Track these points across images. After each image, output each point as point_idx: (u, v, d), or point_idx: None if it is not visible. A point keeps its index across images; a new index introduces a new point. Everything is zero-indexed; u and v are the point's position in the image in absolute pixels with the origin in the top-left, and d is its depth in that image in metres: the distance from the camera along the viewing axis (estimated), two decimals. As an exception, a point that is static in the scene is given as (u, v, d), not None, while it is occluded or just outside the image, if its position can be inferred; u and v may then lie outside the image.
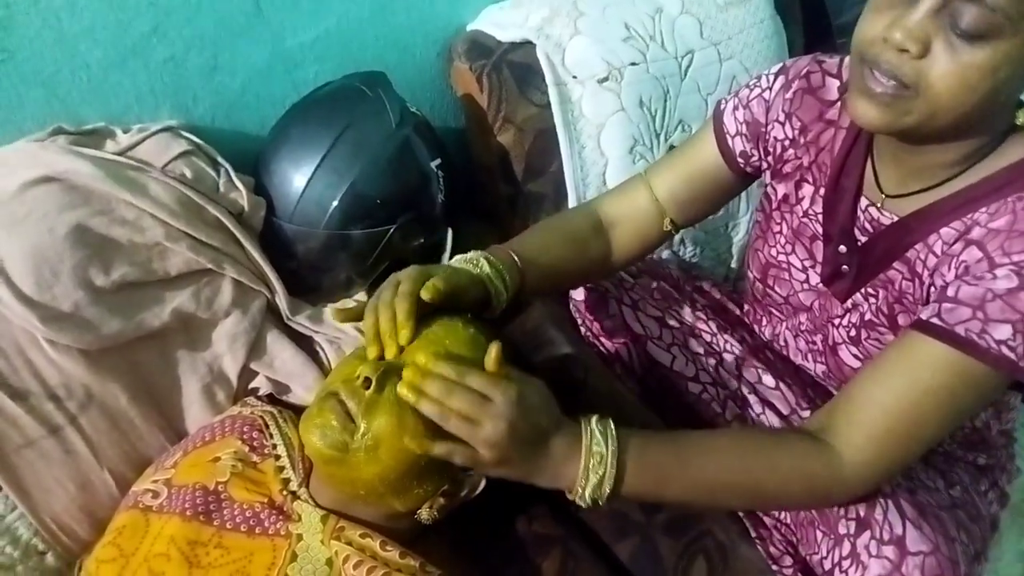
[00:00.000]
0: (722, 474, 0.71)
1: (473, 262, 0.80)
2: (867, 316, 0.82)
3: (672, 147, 1.22)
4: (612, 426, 0.69)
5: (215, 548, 0.75)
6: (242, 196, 1.00)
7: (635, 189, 0.95)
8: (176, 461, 0.85)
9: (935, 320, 0.68)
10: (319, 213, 1.03)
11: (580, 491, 0.67)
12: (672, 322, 1.04)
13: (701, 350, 1.01)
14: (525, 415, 0.65)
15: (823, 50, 0.90)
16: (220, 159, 1.03)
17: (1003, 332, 0.65)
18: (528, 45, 1.19)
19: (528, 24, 1.21)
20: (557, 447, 0.67)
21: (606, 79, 1.17)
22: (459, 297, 0.75)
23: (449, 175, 1.13)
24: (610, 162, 1.20)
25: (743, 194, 1.30)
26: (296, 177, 1.04)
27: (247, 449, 0.84)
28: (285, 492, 0.79)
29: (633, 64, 1.18)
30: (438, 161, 1.11)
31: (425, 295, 0.70)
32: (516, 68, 1.20)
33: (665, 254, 1.27)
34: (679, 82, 1.22)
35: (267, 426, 0.88)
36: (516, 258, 0.83)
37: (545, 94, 1.18)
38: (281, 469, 0.82)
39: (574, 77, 1.18)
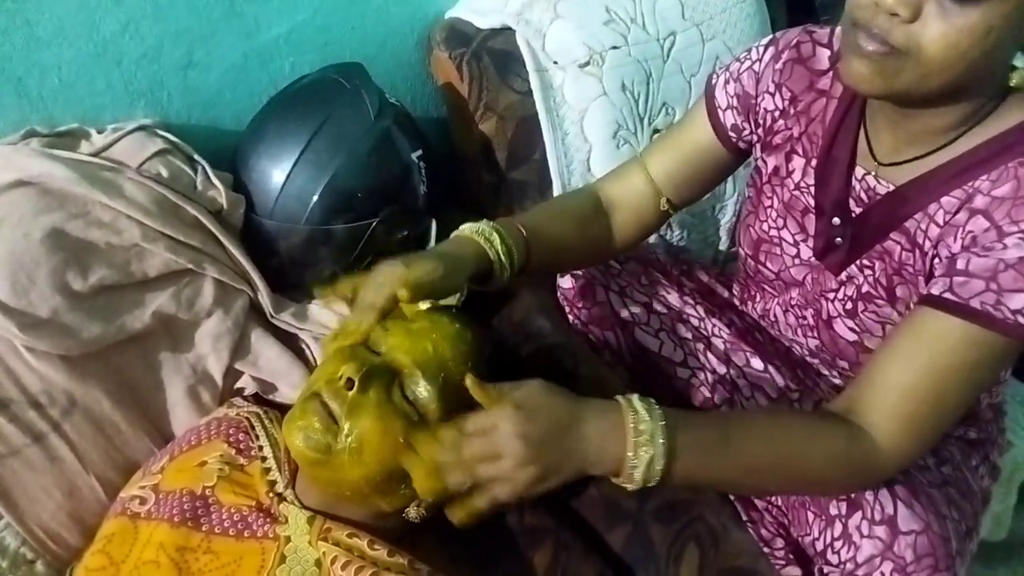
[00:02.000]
0: (768, 458, 0.70)
1: (484, 234, 0.79)
2: (864, 288, 0.81)
3: (656, 131, 1.21)
4: (654, 403, 0.67)
5: (204, 553, 0.74)
6: (220, 194, 0.99)
7: (631, 172, 0.95)
8: (163, 466, 0.84)
9: (948, 295, 0.68)
10: (300, 208, 1.02)
11: (630, 471, 0.65)
12: (659, 307, 1.04)
13: (689, 335, 1.01)
14: (533, 418, 0.64)
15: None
16: (197, 157, 1.01)
17: (1018, 301, 0.65)
18: (508, 31, 1.18)
19: (507, 10, 1.19)
20: (593, 428, 0.65)
21: (587, 64, 1.16)
22: (451, 279, 0.74)
23: (431, 166, 1.11)
24: (594, 148, 1.19)
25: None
26: (275, 173, 1.02)
27: (233, 452, 0.83)
28: (272, 494, 0.79)
29: (615, 48, 1.17)
30: (419, 152, 1.10)
31: (402, 294, 0.69)
32: (496, 55, 1.18)
33: (652, 238, 1.26)
34: (662, 64, 1.20)
35: (253, 427, 0.87)
36: (524, 232, 0.82)
37: (526, 81, 1.16)
38: (268, 471, 0.82)
39: (555, 63, 1.17)
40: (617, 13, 1.18)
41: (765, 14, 1.32)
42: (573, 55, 1.16)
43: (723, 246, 1.34)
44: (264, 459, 0.83)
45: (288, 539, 0.75)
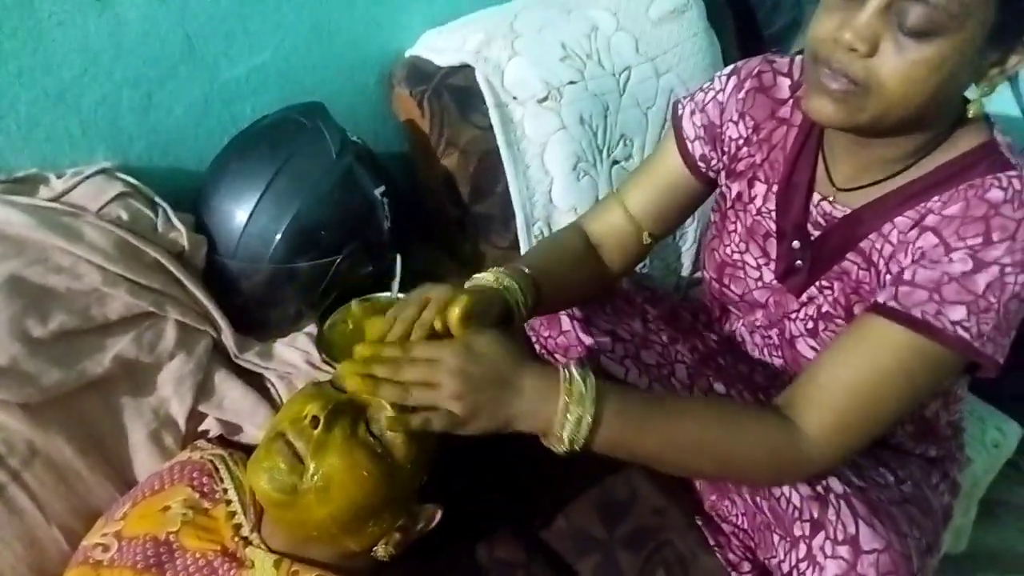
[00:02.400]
0: (695, 435, 0.71)
1: (496, 279, 0.80)
2: (824, 308, 0.84)
3: (615, 162, 1.24)
4: (591, 371, 0.68)
5: (168, 600, 0.73)
6: (182, 235, 0.99)
7: (610, 209, 0.97)
8: (125, 512, 0.83)
9: (892, 303, 0.70)
10: (263, 247, 1.02)
11: (558, 432, 0.66)
12: (624, 335, 1.05)
13: (653, 361, 1.02)
14: (478, 361, 0.65)
15: (754, 61, 0.92)
16: (157, 199, 1.01)
17: (958, 313, 0.67)
18: (467, 68, 1.20)
19: (466, 48, 1.21)
20: (530, 387, 0.67)
21: (546, 99, 1.18)
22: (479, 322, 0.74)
23: (395, 201, 1.12)
24: (555, 180, 1.21)
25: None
26: (237, 212, 1.02)
27: (198, 496, 0.82)
28: (237, 538, 0.78)
29: (572, 83, 1.20)
30: (382, 188, 1.11)
31: (453, 314, 0.69)
32: (456, 92, 1.20)
33: (615, 267, 1.28)
34: (618, 98, 1.23)
35: (217, 470, 0.86)
36: (531, 276, 0.83)
37: (487, 116, 1.18)
38: (233, 514, 0.81)
39: (514, 98, 1.19)
40: (573, 49, 1.21)
41: (717, 47, 1.36)
42: (532, 90, 1.18)
43: (685, 272, 1.36)
44: (229, 502, 0.82)
45: (254, 583, 0.74)
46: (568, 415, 0.66)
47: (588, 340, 1.05)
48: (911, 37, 0.63)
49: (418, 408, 0.66)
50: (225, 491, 0.83)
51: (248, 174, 1.04)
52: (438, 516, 0.77)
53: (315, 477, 0.69)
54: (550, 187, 1.21)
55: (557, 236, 1.04)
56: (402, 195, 1.15)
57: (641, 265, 1.31)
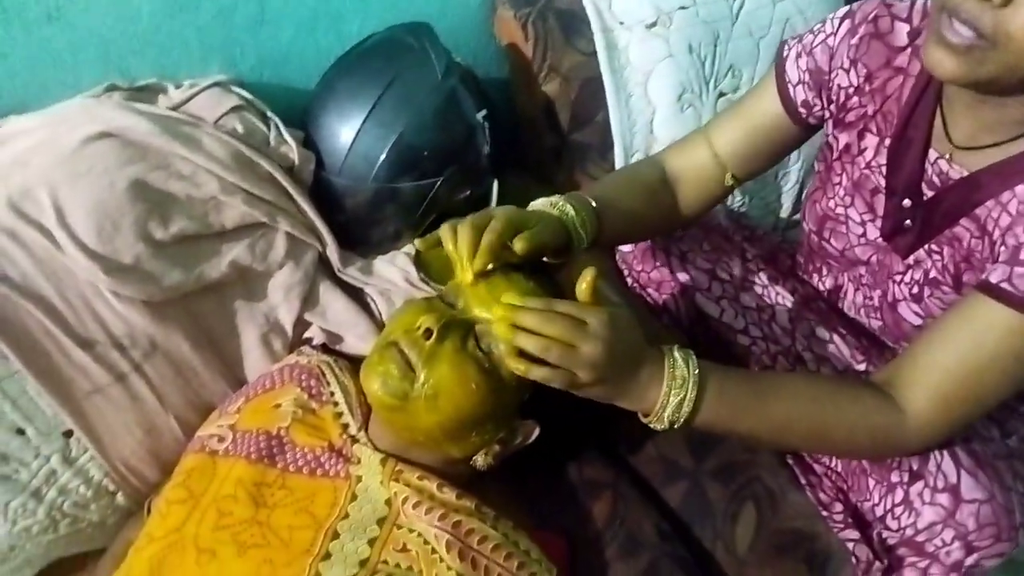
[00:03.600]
0: (793, 415, 0.72)
1: (557, 206, 0.80)
2: (931, 274, 0.80)
3: (722, 94, 1.20)
4: (693, 354, 0.70)
5: (280, 489, 0.78)
6: (292, 150, 1.01)
7: (696, 145, 0.94)
8: (239, 407, 0.88)
9: (1005, 284, 0.67)
10: (367, 167, 1.04)
11: (660, 412, 0.68)
12: (722, 274, 1.04)
13: (752, 303, 1.01)
14: (619, 336, 0.67)
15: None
16: (270, 113, 1.03)
17: None
18: (573, -9, 1.17)
19: (574, -31, 1.18)
20: (644, 370, 0.69)
21: (654, 24, 1.15)
22: (540, 250, 0.75)
23: (494, 126, 1.12)
24: (658, 110, 1.18)
25: (794, 142, 1.28)
26: (344, 131, 1.04)
27: (306, 396, 0.87)
28: (344, 436, 0.82)
29: (682, 8, 1.15)
30: (483, 112, 1.11)
31: (518, 246, 0.70)
32: (561, 15, 1.18)
33: (713, 204, 1.26)
34: (730, 26, 1.18)
35: (324, 374, 0.90)
36: (594, 204, 0.83)
37: (591, 41, 1.16)
38: (339, 415, 0.85)
39: (621, 23, 1.16)
40: (686, -27, 1.17)
41: (839, -25, 1.29)
42: (640, 15, 1.15)
43: (784, 213, 1.32)
44: (336, 404, 0.86)
45: (360, 479, 0.78)
46: (671, 398, 0.68)
47: (683, 277, 1.04)
48: None
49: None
50: (332, 394, 0.87)
51: (355, 93, 1.05)
52: (536, 432, 0.79)
53: (425, 385, 0.71)
54: (652, 117, 1.19)
55: (633, 167, 1.01)
56: (500, 121, 1.15)
57: (740, 203, 1.29)
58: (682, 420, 0.69)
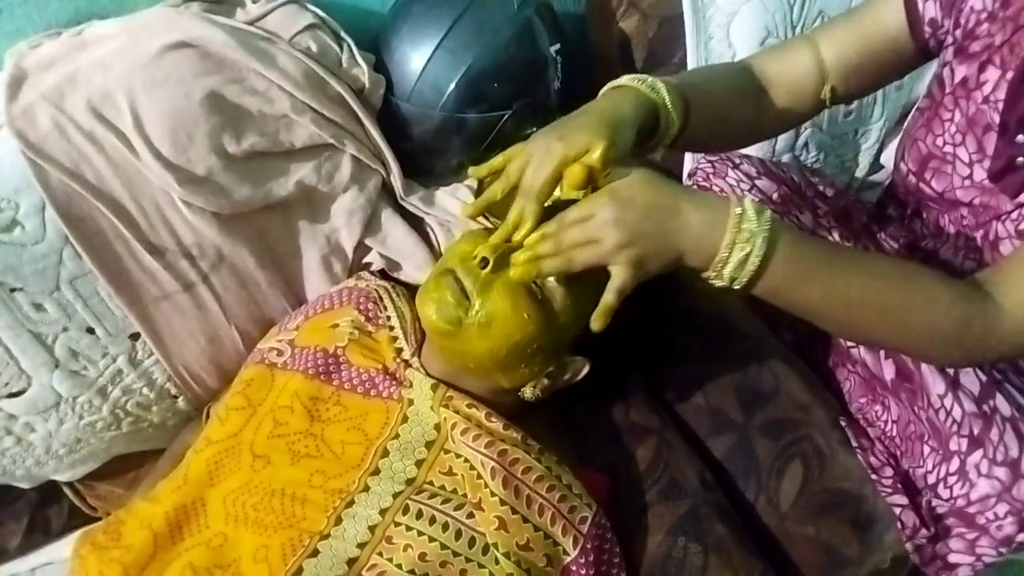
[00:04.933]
0: (870, 290, 0.66)
1: (651, 86, 0.75)
2: None
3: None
4: (768, 210, 0.65)
5: (334, 405, 0.80)
6: (363, 73, 1.01)
7: (798, 49, 0.88)
8: (298, 324, 0.90)
9: None
10: (436, 95, 1.03)
11: (720, 265, 0.64)
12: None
13: (819, 259, 0.97)
14: (630, 205, 0.64)
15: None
16: (343, 34, 1.03)
17: None
18: (660, -77, 1.12)
19: (662, -100, 1.13)
20: (694, 217, 0.64)
21: (743, -38, 1.09)
22: (618, 147, 0.68)
23: (567, 62, 1.10)
24: (737, 55, 1.13)
25: (879, 97, 1.22)
26: (415, 57, 1.03)
27: (363, 319, 0.88)
28: (398, 360, 0.83)
29: (775, -53, 1.10)
30: (557, 46, 1.08)
31: (595, 155, 0.66)
32: (646, -52, 1.13)
33: (785, 157, 1.21)
34: (824, -31, 1.12)
35: (381, 299, 0.92)
36: (685, 95, 0.78)
37: (675, -24, 1.11)
38: (395, 339, 0.86)
39: (708, -41, 1.11)
40: (781, -92, 1.10)
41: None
42: (729, -48, 1.10)
43: (860, 172, 1.27)
44: (391, 328, 0.88)
45: (411, 402, 0.80)
46: (733, 252, 0.63)
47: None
48: None
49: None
50: (388, 318, 0.89)
51: (428, 19, 1.03)
52: (586, 369, 0.79)
53: (479, 313, 0.72)
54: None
55: (724, 66, 0.94)
56: (574, 56, 1.12)
57: (813, 158, 1.24)
58: (745, 280, 0.64)
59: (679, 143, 0.81)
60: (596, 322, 0.67)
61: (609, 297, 0.66)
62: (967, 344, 0.68)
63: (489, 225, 0.85)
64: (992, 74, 0.78)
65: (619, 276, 0.65)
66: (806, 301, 0.67)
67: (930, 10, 0.81)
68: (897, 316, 0.67)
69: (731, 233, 0.63)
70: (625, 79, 0.77)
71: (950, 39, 0.81)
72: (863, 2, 0.88)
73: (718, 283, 0.66)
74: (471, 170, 0.76)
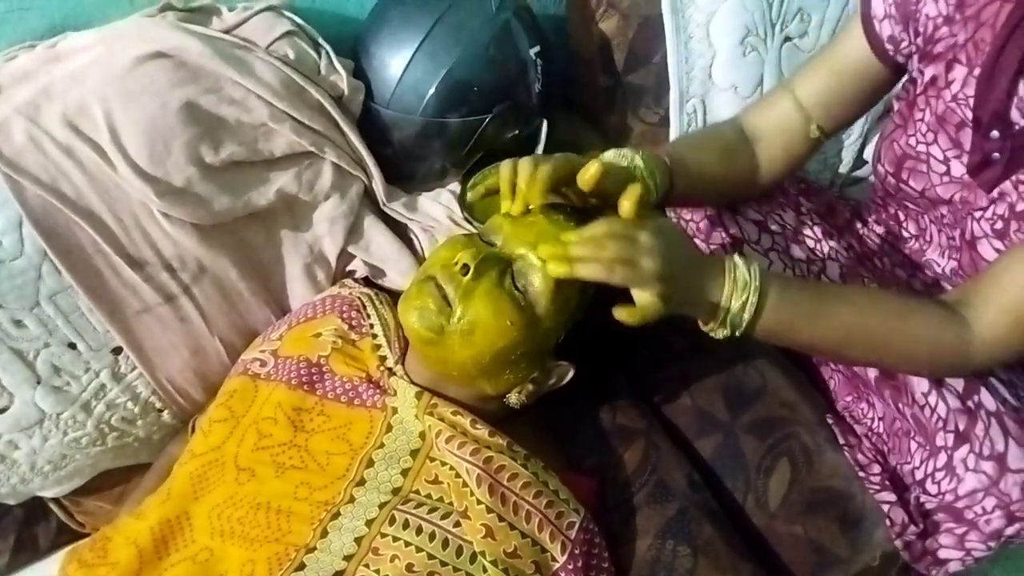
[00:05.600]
0: (855, 324, 0.72)
1: (626, 156, 0.78)
2: (1019, 207, 0.77)
3: (788, 39, 1.14)
4: (755, 261, 0.70)
5: (318, 415, 0.80)
6: (342, 79, 1.00)
7: (777, 98, 0.91)
8: (281, 334, 0.90)
9: None
10: (416, 100, 1.03)
11: (721, 316, 0.69)
12: (774, 227, 1.00)
13: (803, 256, 0.98)
14: (671, 245, 0.67)
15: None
16: (321, 40, 1.02)
17: None
18: (638, -78, 1.12)
19: (639, -100, 1.13)
20: (704, 274, 0.69)
21: (721, -38, 1.09)
22: (602, 194, 0.72)
23: (547, 64, 1.09)
24: (718, 53, 1.13)
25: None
26: (394, 62, 1.02)
27: (346, 327, 0.88)
28: (382, 368, 0.83)
29: (752, -55, 1.09)
30: (537, 49, 1.08)
31: (586, 175, 0.68)
32: (624, -52, 1.13)
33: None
34: (802, -35, 1.12)
35: (364, 307, 0.91)
36: (667, 160, 0.81)
37: (653, -23, 1.11)
38: (378, 347, 0.86)
39: (686, -41, 1.10)
40: (758, -93, 1.10)
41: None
42: (706, -49, 1.09)
43: (843, 169, 1.27)
44: (375, 336, 0.87)
45: (395, 410, 0.79)
46: (732, 302, 0.68)
47: (732, 228, 1.01)
48: None
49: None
50: (371, 326, 0.88)
51: (406, 24, 1.03)
52: (570, 374, 0.79)
53: (461, 320, 0.72)
54: (712, 61, 1.14)
55: (711, 127, 0.98)
56: (554, 58, 1.12)
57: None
58: (743, 325, 0.69)
59: (669, 203, 0.85)
60: (621, 315, 0.66)
61: (632, 320, 0.66)
62: (941, 364, 0.75)
63: (473, 231, 0.85)
64: (959, 72, 0.78)
65: (650, 306, 0.66)
66: (801, 337, 0.73)
67: (886, 28, 0.82)
68: (879, 344, 0.73)
69: (728, 285, 0.69)
70: (610, 155, 0.78)
71: (913, 48, 0.82)
72: (829, 40, 0.94)
73: (720, 332, 0.71)
74: (470, 195, 0.78)
